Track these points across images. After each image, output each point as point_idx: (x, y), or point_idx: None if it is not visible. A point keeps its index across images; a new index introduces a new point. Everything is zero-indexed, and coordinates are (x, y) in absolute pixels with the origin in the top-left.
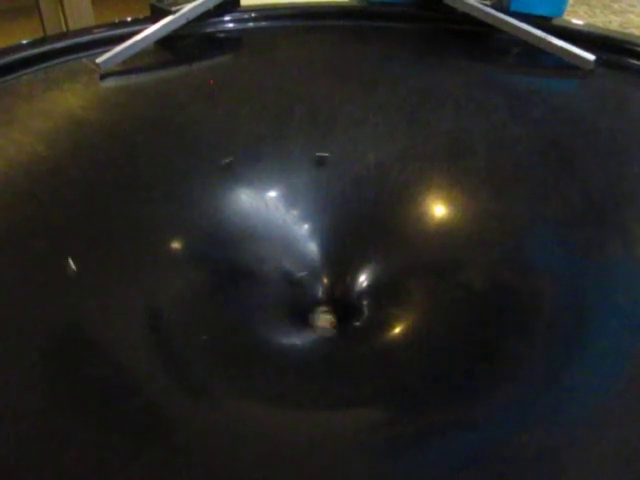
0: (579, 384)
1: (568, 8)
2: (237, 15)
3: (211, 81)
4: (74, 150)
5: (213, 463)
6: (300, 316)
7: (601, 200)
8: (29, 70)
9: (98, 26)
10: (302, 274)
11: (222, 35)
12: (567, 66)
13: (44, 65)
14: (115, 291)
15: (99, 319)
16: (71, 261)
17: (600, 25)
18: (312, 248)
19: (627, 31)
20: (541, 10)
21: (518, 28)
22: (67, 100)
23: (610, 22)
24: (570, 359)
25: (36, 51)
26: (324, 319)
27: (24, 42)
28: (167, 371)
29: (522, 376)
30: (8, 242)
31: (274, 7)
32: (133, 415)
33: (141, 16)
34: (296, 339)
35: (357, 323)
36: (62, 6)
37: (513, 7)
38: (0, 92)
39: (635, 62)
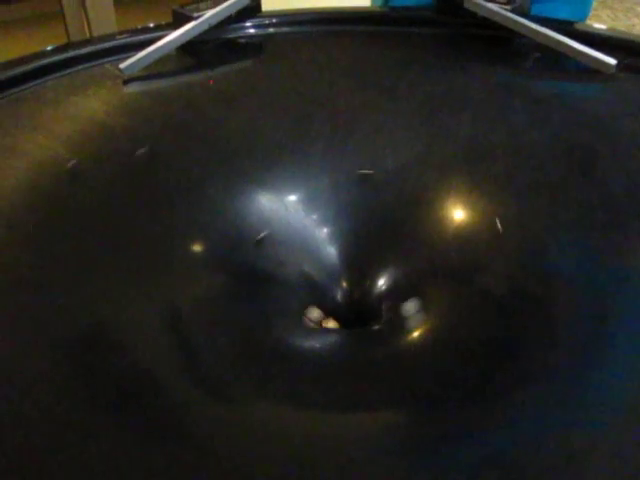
0: (600, 388)
1: (591, 12)
2: (258, 21)
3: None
4: (97, 154)
5: (232, 463)
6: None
7: (622, 205)
8: (54, 76)
9: (121, 32)
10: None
11: (243, 40)
12: (588, 70)
13: (68, 71)
14: (136, 292)
15: (120, 320)
16: (93, 262)
17: (623, 29)
18: (331, 252)
19: None
20: (563, 14)
21: (538, 32)
22: (91, 105)
23: (634, 25)
24: (591, 363)
25: (60, 57)
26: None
27: (48, 48)
28: (187, 371)
29: (542, 380)
30: (32, 243)
31: (295, 13)
32: (153, 414)
33: (163, 22)
34: (315, 342)
35: (376, 326)
36: (85, 12)
37: (535, 11)
38: (25, 97)
39: None
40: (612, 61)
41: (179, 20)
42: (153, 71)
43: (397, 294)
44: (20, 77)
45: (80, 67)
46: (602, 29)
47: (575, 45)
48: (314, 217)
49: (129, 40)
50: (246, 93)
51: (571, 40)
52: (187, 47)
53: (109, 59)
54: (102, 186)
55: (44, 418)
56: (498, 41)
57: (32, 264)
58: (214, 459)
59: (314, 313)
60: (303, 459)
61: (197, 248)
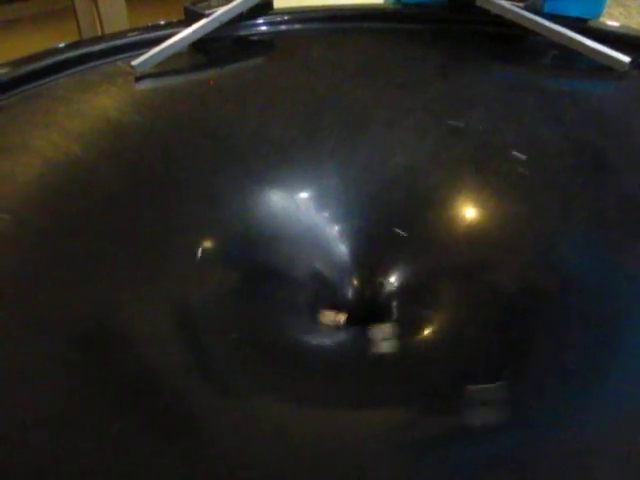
0: (609, 388)
1: (604, 9)
2: (270, 18)
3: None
4: (109, 151)
5: (239, 460)
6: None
7: (634, 204)
8: (66, 73)
9: (133, 29)
10: None
11: (255, 38)
12: (601, 68)
13: (80, 68)
14: (147, 289)
15: (130, 316)
16: (103, 259)
17: (636, 26)
18: (342, 249)
19: None
20: (576, 12)
21: (551, 30)
22: (103, 102)
23: None
24: (601, 364)
25: (73, 54)
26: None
27: (61, 46)
28: (196, 368)
29: (551, 379)
30: (43, 240)
31: (306, 10)
32: (161, 411)
33: (175, 19)
34: (325, 339)
35: (387, 324)
36: (97, 9)
37: (547, 9)
38: (38, 95)
39: None
40: (625, 58)
41: (191, 17)
42: (165, 68)
43: (408, 292)
44: (32, 74)
45: (92, 64)
46: (615, 26)
47: (588, 42)
48: (325, 215)
49: (141, 37)
50: (257, 90)
51: (584, 37)
52: (199, 44)
53: (121, 56)
54: (113, 183)
55: (48, 416)
56: (511, 39)
57: (43, 261)
58: (222, 456)
59: (329, 314)
60: (312, 456)
61: (207, 245)
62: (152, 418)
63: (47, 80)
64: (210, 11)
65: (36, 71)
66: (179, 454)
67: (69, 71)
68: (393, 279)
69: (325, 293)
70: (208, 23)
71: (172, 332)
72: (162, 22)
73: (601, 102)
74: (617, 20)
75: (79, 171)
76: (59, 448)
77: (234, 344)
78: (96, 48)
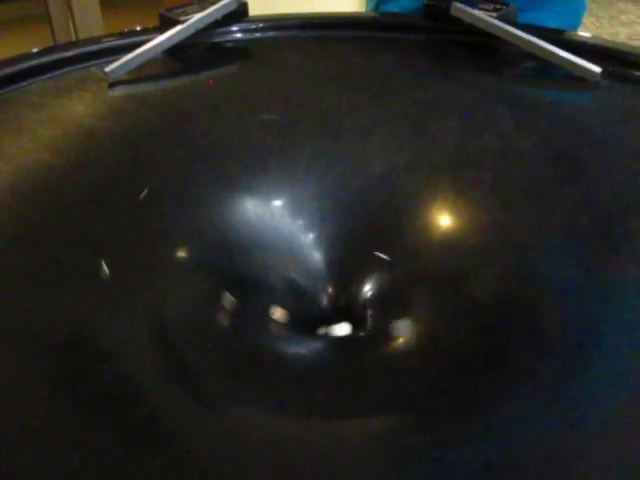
0: (586, 396)
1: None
2: (245, 25)
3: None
4: (82, 158)
5: (217, 471)
6: (305, 325)
7: (608, 212)
8: (39, 78)
9: (107, 35)
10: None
11: (230, 45)
12: (574, 78)
13: (54, 73)
14: (122, 298)
15: (105, 326)
16: (76, 268)
17: (607, 37)
18: (318, 257)
19: (634, 43)
20: (552, 24)
21: (524, 40)
22: (76, 108)
23: (618, 34)
24: (577, 371)
25: (46, 60)
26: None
27: (34, 51)
28: (172, 379)
29: (528, 387)
30: (15, 249)
31: (282, 17)
32: (138, 423)
33: (150, 25)
34: (301, 348)
35: (362, 333)
36: (72, 15)
37: (524, 20)
38: (9, 100)
39: None
40: (597, 69)
41: (166, 24)
42: (139, 75)
43: (383, 301)
44: (5, 79)
45: (66, 70)
46: (587, 37)
47: (560, 53)
48: (300, 223)
49: (115, 43)
50: (232, 97)
51: (556, 48)
52: (173, 51)
53: (95, 62)
54: (86, 190)
55: (23, 427)
56: (485, 48)
57: (13, 269)
58: (199, 467)
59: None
60: (289, 467)
61: (182, 254)
62: (129, 430)
63: (20, 85)
64: (185, 18)
65: (9, 76)
66: (154, 466)
67: (42, 76)
68: (369, 287)
69: (301, 301)
70: (183, 30)
71: (147, 342)
72: (137, 28)
73: (574, 112)
74: (589, 30)
75: (50, 177)
76: (31, 460)
77: (210, 353)
78: (70, 53)
